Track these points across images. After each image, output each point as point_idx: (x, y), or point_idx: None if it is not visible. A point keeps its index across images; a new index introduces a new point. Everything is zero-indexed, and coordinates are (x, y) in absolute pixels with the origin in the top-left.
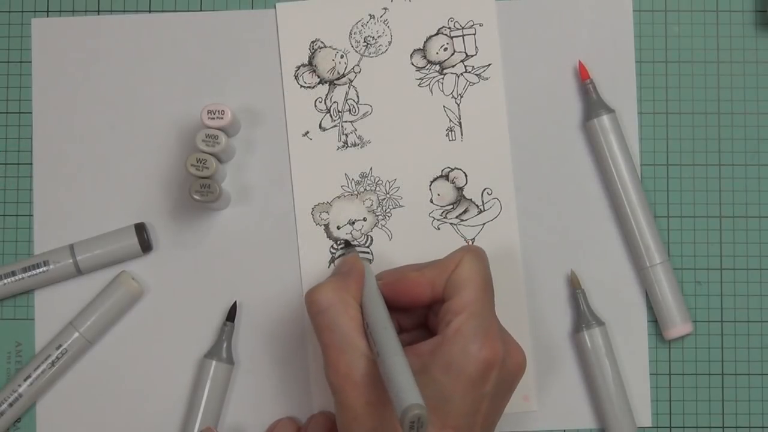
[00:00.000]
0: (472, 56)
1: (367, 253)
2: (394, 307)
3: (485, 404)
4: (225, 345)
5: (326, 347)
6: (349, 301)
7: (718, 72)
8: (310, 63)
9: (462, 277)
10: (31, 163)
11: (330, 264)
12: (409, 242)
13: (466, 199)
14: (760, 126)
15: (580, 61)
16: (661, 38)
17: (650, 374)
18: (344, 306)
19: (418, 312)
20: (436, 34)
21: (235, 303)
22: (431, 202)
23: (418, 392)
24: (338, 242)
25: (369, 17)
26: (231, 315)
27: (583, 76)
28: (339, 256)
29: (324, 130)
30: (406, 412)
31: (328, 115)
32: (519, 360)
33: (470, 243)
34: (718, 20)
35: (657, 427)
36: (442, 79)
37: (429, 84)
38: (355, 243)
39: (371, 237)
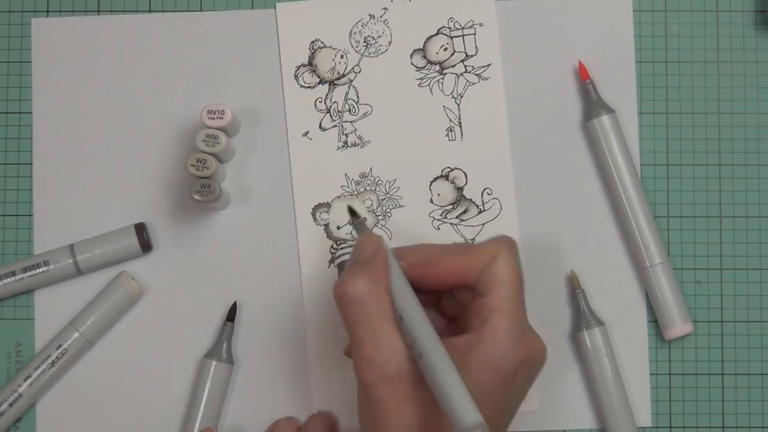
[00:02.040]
0: (472, 56)
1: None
2: (415, 288)
3: (513, 399)
4: (225, 345)
5: (359, 342)
6: (380, 291)
7: (718, 72)
8: (310, 63)
9: (499, 273)
10: (31, 163)
11: (330, 264)
12: (409, 242)
13: (466, 199)
14: (760, 126)
15: (580, 61)
16: (661, 38)
17: (650, 374)
18: (376, 298)
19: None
20: (436, 34)
21: (234, 303)
22: (431, 202)
23: (476, 408)
24: (338, 242)
25: (369, 17)
26: (231, 315)
27: (583, 76)
28: (340, 256)
29: (324, 130)
30: (467, 430)
31: (328, 115)
32: (544, 356)
33: (470, 243)
34: (718, 20)
35: (657, 427)
36: (442, 79)
37: (429, 84)
38: (354, 242)
39: None
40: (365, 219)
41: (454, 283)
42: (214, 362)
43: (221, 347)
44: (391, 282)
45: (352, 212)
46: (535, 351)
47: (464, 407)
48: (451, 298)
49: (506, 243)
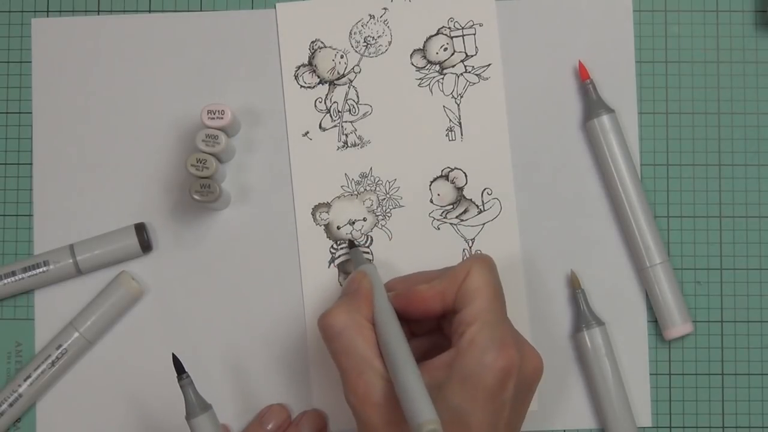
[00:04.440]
0: (472, 56)
1: (367, 253)
2: (405, 319)
3: (506, 412)
4: (192, 398)
5: (344, 370)
6: (362, 322)
7: (718, 72)
8: (310, 63)
9: (472, 287)
10: (31, 163)
11: (330, 264)
12: (409, 242)
13: (466, 199)
14: (760, 126)
15: (580, 61)
16: (661, 38)
17: (650, 374)
18: (358, 328)
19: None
20: (436, 34)
21: (174, 356)
22: (431, 202)
23: (432, 406)
24: (339, 242)
25: (369, 17)
26: (179, 368)
27: (583, 76)
28: (340, 256)
29: (324, 130)
30: (420, 427)
31: (328, 115)
32: (536, 364)
33: (470, 243)
34: (718, 20)
35: (657, 427)
36: (442, 79)
37: (429, 84)
38: (358, 243)
39: (371, 237)
40: (359, 250)
41: (440, 309)
42: (193, 421)
43: (191, 403)
44: (375, 312)
45: (351, 244)
46: (523, 360)
47: (416, 405)
48: (448, 321)
49: (479, 259)
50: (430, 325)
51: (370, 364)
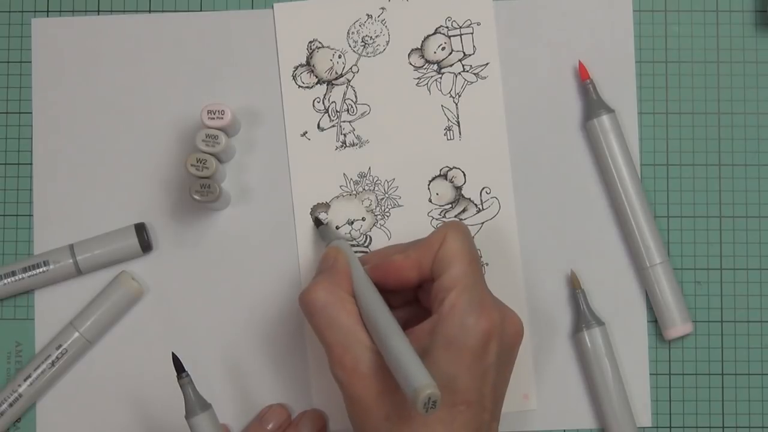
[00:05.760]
0: (469, 55)
1: (366, 252)
2: (382, 290)
3: (491, 374)
4: (192, 397)
5: (329, 345)
6: (343, 296)
7: (718, 72)
8: (308, 63)
9: (449, 254)
10: (31, 163)
11: None
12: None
13: (465, 198)
14: (760, 126)
15: (580, 61)
16: (661, 38)
17: (650, 374)
18: (340, 302)
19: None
20: (434, 33)
21: (174, 355)
22: (430, 201)
23: (426, 371)
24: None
25: (366, 17)
26: (178, 367)
27: (583, 76)
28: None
29: (322, 130)
30: (417, 393)
31: (327, 115)
32: (517, 326)
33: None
34: (718, 20)
35: (657, 427)
36: (440, 78)
37: (427, 83)
38: (353, 242)
39: (370, 237)
40: (328, 225)
41: (417, 278)
42: (193, 420)
43: (190, 402)
44: (354, 285)
45: (318, 221)
46: (504, 322)
47: (411, 371)
48: (425, 291)
49: (452, 225)
50: (407, 296)
51: (356, 337)
